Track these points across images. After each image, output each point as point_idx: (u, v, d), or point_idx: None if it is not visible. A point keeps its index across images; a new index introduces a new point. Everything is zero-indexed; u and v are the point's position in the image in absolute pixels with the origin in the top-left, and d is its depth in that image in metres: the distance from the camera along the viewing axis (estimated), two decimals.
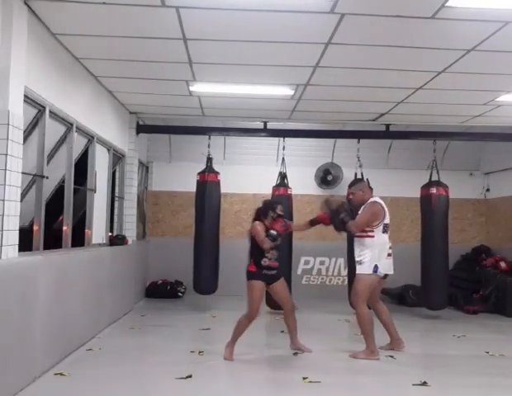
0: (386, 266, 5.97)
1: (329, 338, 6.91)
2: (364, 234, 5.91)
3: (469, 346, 6.84)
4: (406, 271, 9.30)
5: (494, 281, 9.60)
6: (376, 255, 5.87)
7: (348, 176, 9.94)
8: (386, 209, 6.03)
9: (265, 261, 5.82)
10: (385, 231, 5.97)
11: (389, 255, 6.02)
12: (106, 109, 7.63)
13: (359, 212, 6.05)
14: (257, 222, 5.91)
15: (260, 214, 5.99)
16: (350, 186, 6.52)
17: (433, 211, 8.80)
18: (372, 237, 5.89)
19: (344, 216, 5.90)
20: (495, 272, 9.78)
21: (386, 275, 6.05)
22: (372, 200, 6.07)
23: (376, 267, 5.85)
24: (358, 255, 5.95)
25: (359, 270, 5.94)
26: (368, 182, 8.97)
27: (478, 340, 7.26)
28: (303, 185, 10.59)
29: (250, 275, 5.84)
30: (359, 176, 9.03)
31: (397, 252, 10.31)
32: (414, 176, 9.59)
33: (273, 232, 5.78)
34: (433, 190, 8.76)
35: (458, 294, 9.80)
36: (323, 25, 5.01)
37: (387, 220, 6.01)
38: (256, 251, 5.85)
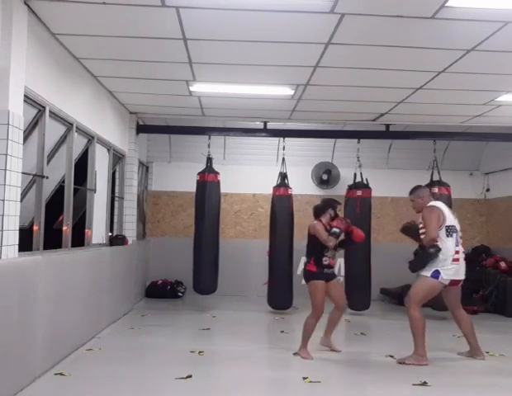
0: (451, 272, 5.79)
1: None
2: None
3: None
4: (406, 270, 9.26)
5: (494, 281, 9.60)
6: (439, 260, 5.74)
7: (347, 176, 9.93)
8: (446, 211, 5.91)
9: (325, 260, 5.98)
10: (449, 235, 5.82)
11: (455, 260, 5.82)
12: (106, 109, 7.63)
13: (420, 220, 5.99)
14: (315, 222, 6.09)
15: (318, 212, 6.16)
16: (410, 193, 6.35)
17: None
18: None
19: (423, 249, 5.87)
20: (495, 272, 9.78)
21: (457, 281, 5.92)
22: (428, 205, 5.97)
23: (436, 272, 5.73)
24: None
25: (421, 272, 5.89)
26: (368, 182, 9.02)
27: (478, 340, 7.24)
28: (303, 185, 10.60)
29: (311, 276, 6.00)
30: (359, 177, 9.05)
31: (397, 251, 10.43)
32: (414, 176, 9.52)
33: (336, 229, 5.93)
34: (436, 190, 8.77)
35: None
36: (323, 25, 5.00)
37: (450, 222, 5.87)
38: (316, 250, 5.99)
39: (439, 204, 6.08)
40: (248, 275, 10.59)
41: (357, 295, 8.85)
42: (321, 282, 5.97)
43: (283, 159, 9.13)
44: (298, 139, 10.03)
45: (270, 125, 9.29)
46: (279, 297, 8.95)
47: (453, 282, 5.89)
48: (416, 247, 6.00)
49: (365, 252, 8.88)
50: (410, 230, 6.27)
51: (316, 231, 5.98)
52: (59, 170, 6.50)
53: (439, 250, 5.74)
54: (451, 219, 5.93)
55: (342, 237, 6.11)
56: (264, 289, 9.15)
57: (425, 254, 5.81)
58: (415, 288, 5.92)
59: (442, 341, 7.30)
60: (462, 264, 5.95)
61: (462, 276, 5.94)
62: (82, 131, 6.67)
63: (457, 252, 5.86)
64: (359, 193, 8.91)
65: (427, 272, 5.80)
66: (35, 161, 5.38)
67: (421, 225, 5.97)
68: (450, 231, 5.85)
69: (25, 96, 4.75)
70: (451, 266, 5.79)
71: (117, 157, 8.58)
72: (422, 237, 5.92)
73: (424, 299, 5.91)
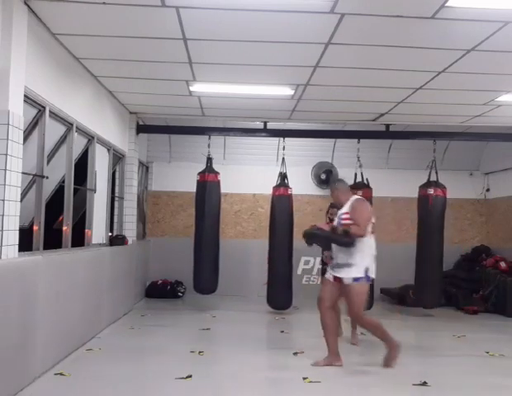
0: (374, 269, 5.55)
1: None
2: None
3: (469, 346, 6.84)
4: (406, 270, 9.32)
5: (494, 281, 9.61)
6: (368, 258, 5.50)
7: (347, 176, 9.90)
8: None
9: (324, 258, 7.07)
10: (372, 231, 5.63)
11: (374, 258, 5.61)
12: (106, 109, 7.63)
13: (341, 212, 5.69)
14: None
15: None
16: (332, 185, 6.08)
17: (429, 212, 8.83)
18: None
19: (338, 230, 5.53)
20: (495, 272, 9.78)
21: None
22: (356, 197, 5.73)
23: (366, 271, 5.46)
24: (345, 258, 5.48)
25: (347, 274, 5.44)
26: (368, 182, 9.02)
27: (478, 340, 7.26)
28: (303, 185, 10.60)
29: None
30: (359, 177, 9.05)
31: (397, 252, 10.44)
32: (414, 176, 9.60)
33: None
34: (431, 191, 8.79)
35: (458, 294, 9.81)
36: (323, 25, 5.00)
37: (374, 220, 5.67)
38: None
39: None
40: (248, 275, 10.60)
41: None
42: (323, 276, 6.72)
43: (283, 159, 9.13)
44: (298, 139, 10.03)
45: (270, 125, 9.29)
46: (279, 297, 8.96)
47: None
48: (341, 228, 5.54)
49: None
50: (316, 237, 5.81)
51: None
52: (59, 170, 6.50)
53: (353, 246, 5.47)
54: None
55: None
56: (264, 289, 9.15)
57: (343, 242, 5.47)
58: (356, 302, 5.46)
59: (442, 341, 7.31)
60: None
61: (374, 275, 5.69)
62: (82, 131, 6.67)
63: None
64: (360, 193, 8.87)
65: (359, 273, 5.42)
66: (35, 161, 5.38)
67: (348, 216, 5.56)
68: (373, 228, 5.63)
69: (25, 96, 4.74)
70: (374, 263, 5.58)
71: (117, 157, 8.57)
72: (347, 222, 5.52)
73: (363, 305, 5.63)
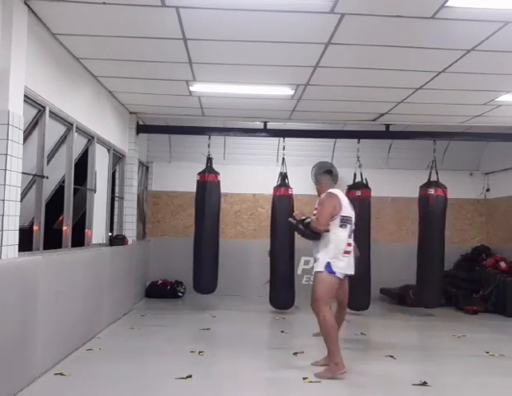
0: (342, 264, 5.35)
1: None
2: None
3: (469, 346, 6.84)
4: (406, 270, 9.32)
5: (494, 281, 9.61)
6: (331, 252, 5.33)
7: (347, 176, 9.92)
8: (343, 200, 5.55)
9: None
10: (343, 225, 5.42)
11: (346, 252, 5.40)
12: (106, 109, 7.63)
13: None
14: None
15: None
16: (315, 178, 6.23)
17: (430, 212, 8.83)
18: (327, 231, 5.37)
19: (303, 220, 5.57)
20: (495, 272, 9.78)
21: (346, 275, 5.54)
22: (328, 191, 5.63)
23: (328, 266, 5.29)
24: (315, 252, 5.49)
25: (315, 268, 5.44)
26: (367, 182, 9.01)
27: (478, 340, 7.27)
28: (303, 185, 10.58)
29: None
30: (359, 177, 9.05)
31: (397, 251, 10.45)
32: (414, 176, 9.60)
33: None
34: (431, 191, 8.80)
35: (458, 294, 9.81)
36: (323, 25, 5.00)
37: (346, 213, 5.46)
38: None
39: (338, 192, 5.70)
40: (248, 275, 10.59)
41: (357, 295, 8.86)
42: None
43: (283, 159, 9.12)
44: (298, 139, 10.03)
45: (270, 125, 9.29)
46: (280, 297, 8.96)
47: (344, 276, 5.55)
48: (306, 218, 5.60)
49: (364, 252, 8.89)
50: (296, 227, 5.80)
51: None
52: (59, 170, 6.50)
53: (317, 239, 5.44)
54: (348, 209, 5.55)
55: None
56: (264, 289, 9.16)
57: (303, 232, 5.57)
58: (318, 290, 5.34)
59: (442, 341, 7.31)
60: (352, 258, 5.55)
61: (352, 271, 5.50)
62: (83, 131, 6.67)
63: (348, 245, 5.48)
64: (359, 193, 8.89)
65: (320, 267, 5.34)
66: (35, 161, 5.38)
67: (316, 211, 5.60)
68: (345, 222, 5.47)
69: (25, 96, 4.74)
70: (342, 257, 5.39)
71: (117, 157, 8.57)
72: (313, 218, 5.53)
73: (331, 298, 5.47)
